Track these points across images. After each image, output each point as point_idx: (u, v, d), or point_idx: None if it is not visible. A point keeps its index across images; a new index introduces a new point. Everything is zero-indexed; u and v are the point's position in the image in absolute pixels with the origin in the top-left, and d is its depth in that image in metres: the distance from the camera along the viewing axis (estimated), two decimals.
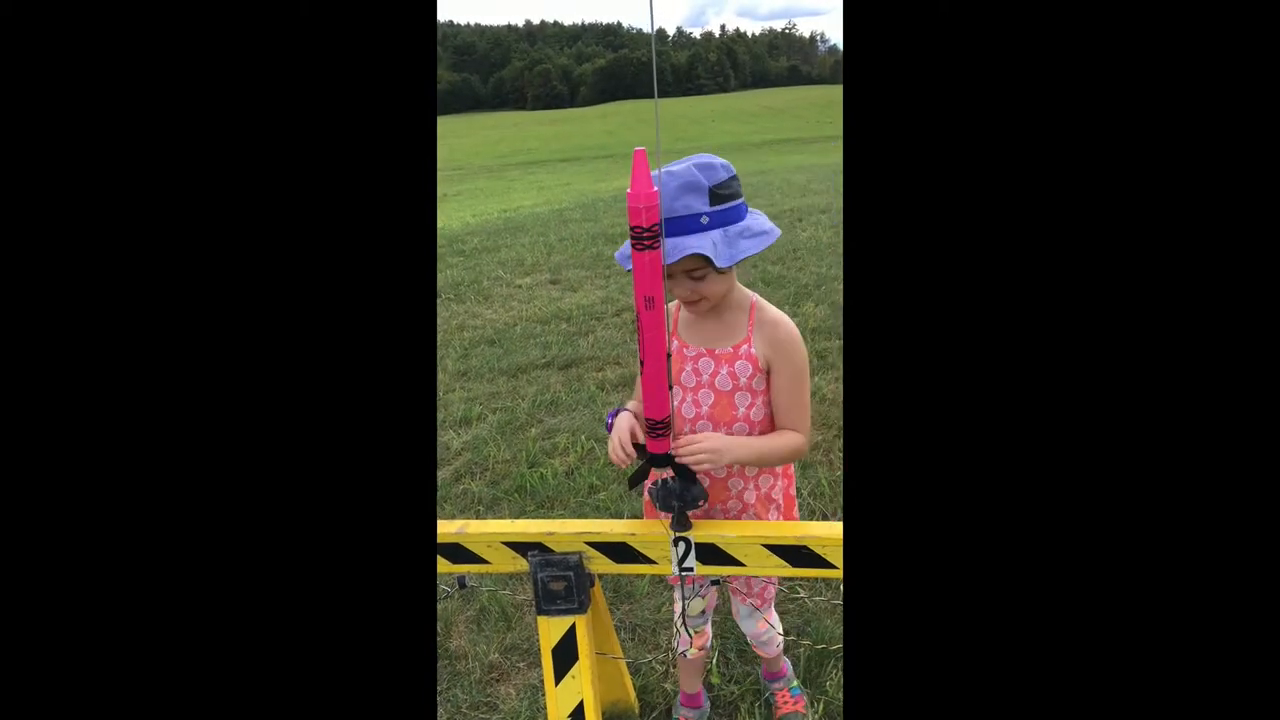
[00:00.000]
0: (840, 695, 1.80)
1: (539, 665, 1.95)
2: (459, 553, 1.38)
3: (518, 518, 2.66)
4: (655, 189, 1.08)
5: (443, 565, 1.39)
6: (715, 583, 1.56)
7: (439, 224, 9.56)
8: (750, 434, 1.38)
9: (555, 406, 3.63)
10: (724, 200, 1.24)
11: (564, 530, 1.35)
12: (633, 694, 1.82)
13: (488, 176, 20.96)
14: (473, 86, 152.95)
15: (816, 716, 1.77)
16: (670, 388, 1.20)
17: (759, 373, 1.36)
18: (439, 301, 5.66)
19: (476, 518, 2.73)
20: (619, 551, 1.35)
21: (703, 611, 1.66)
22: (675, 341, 1.40)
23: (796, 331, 1.38)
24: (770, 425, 1.41)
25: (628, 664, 1.81)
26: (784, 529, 1.31)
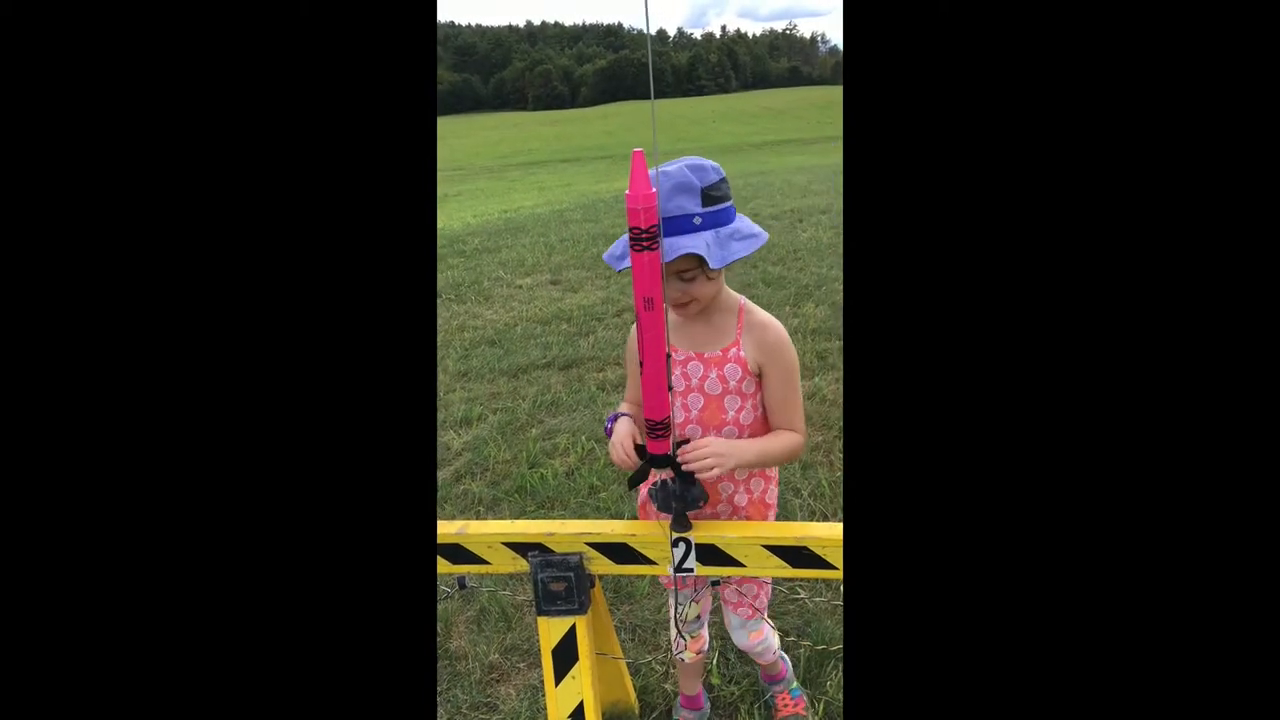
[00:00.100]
0: (840, 696, 1.79)
1: (539, 666, 1.95)
2: (459, 553, 1.38)
3: (518, 518, 2.66)
4: (653, 190, 1.08)
5: (443, 566, 1.39)
6: (715, 583, 1.56)
7: (440, 224, 9.57)
8: (740, 437, 1.38)
9: (556, 407, 3.63)
10: (716, 202, 1.24)
11: (564, 531, 1.35)
12: (633, 694, 1.82)
13: (489, 177, 20.97)
14: (474, 87, 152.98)
15: (817, 717, 1.77)
16: (670, 389, 1.20)
17: (748, 376, 1.36)
18: (440, 302, 5.66)
19: (477, 518, 2.73)
20: (619, 552, 1.35)
21: (698, 616, 1.66)
22: None
23: (785, 332, 1.38)
24: (759, 428, 1.41)
25: (628, 664, 1.81)
26: (784, 530, 1.31)
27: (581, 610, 1.36)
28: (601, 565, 1.36)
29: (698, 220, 1.22)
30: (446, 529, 1.38)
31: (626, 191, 1.08)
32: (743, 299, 1.40)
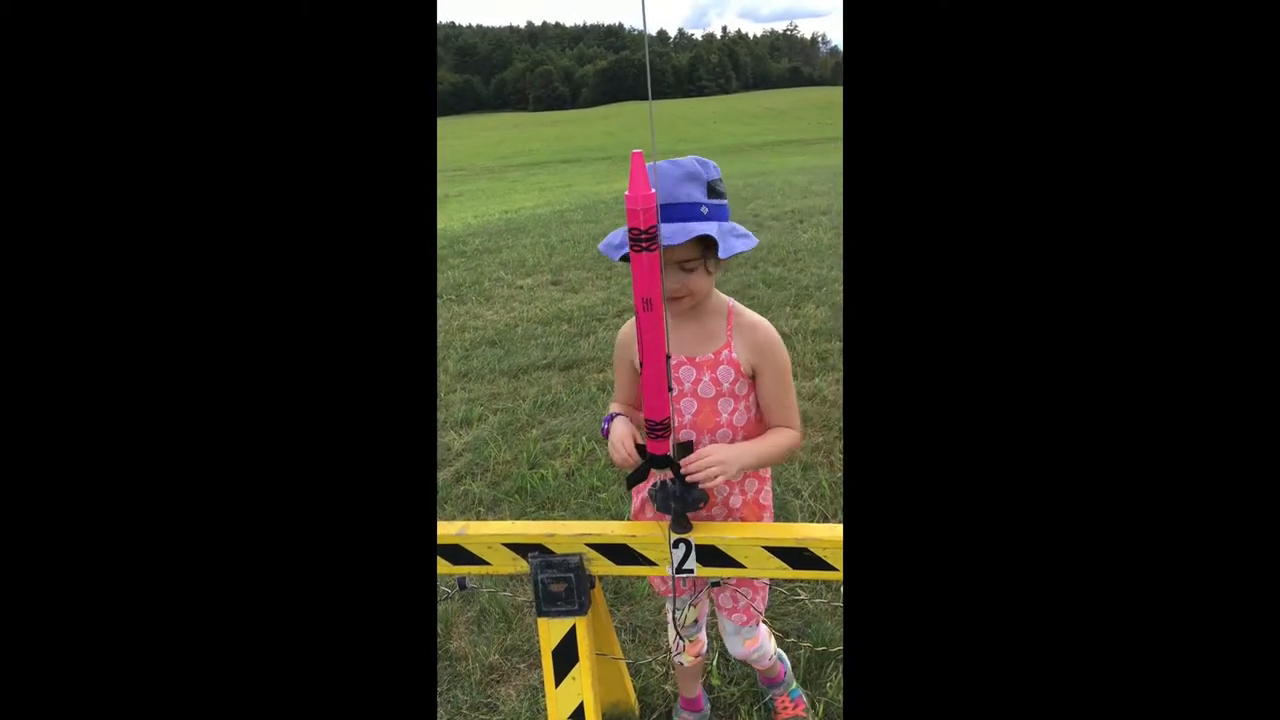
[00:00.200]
0: (840, 697, 1.79)
1: (539, 666, 1.95)
2: (459, 554, 1.38)
3: (518, 519, 2.67)
4: (653, 191, 1.08)
5: (443, 566, 1.39)
6: (715, 584, 1.56)
7: (441, 225, 9.58)
8: (734, 439, 1.38)
9: (556, 408, 3.63)
10: (718, 196, 1.28)
11: (564, 532, 1.35)
12: (633, 695, 1.82)
13: (489, 178, 20.99)
14: (475, 88, 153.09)
15: (817, 718, 1.77)
16: (670, 389, 1.20)
17: (741, 377, 1.36)
18: (440, 302, 5.67)
19: (477, 519, 2.73)
20: (619, 553, 1.35)
21: (695, 620, 1.66)
22: None
23: (774, 331, 1.39)
24: (754, 428, 1.41)
25: (628, 665, 1.81)
26: (784, 531, 1.31)
27: (582, 611, 1.36)
28: (602, 566, 1.36)
29: (705, 210, 1.24)
30: (447, 530, 1.38)
31: (626, 192, 1.08)
32: (731, 300, 1.40)
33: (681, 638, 1.63)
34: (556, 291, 5.80)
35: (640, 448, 1.29)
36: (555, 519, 2.60)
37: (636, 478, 1.34)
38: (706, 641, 1.73)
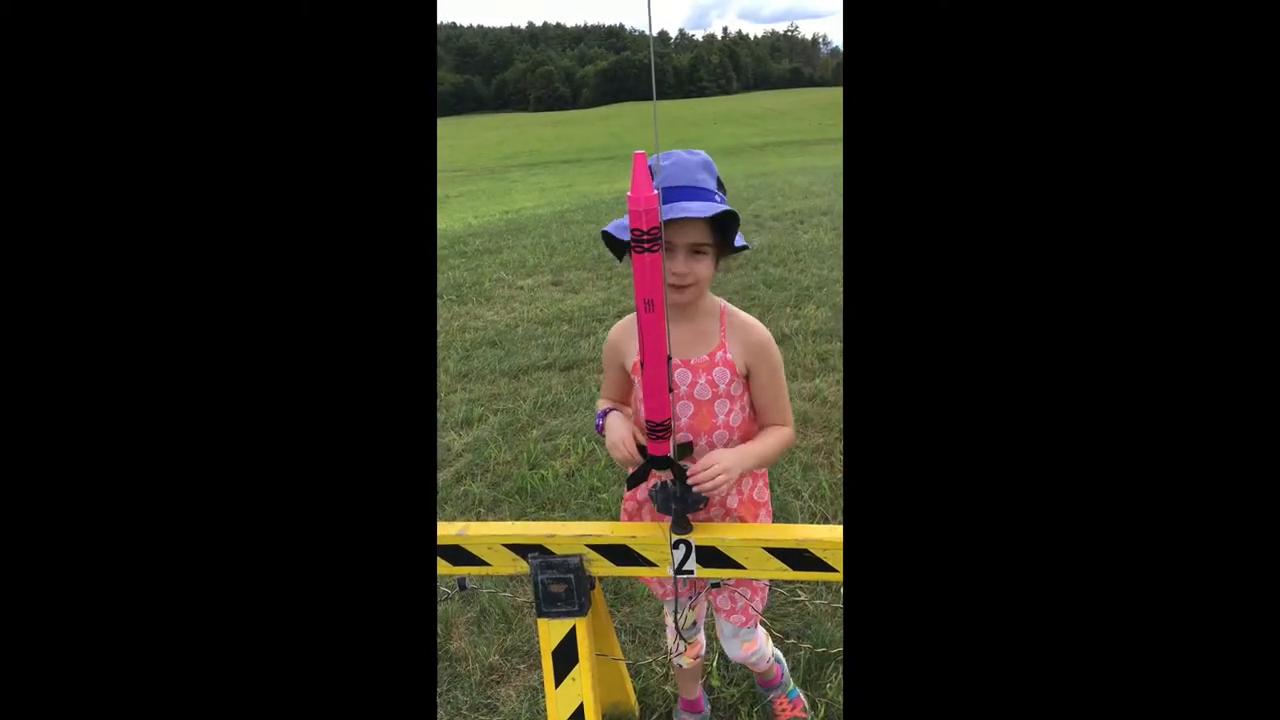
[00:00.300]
0: (840, 698, 1.79)
1: (539, 667, 1.95)
2: (459, 554, 1.38)
3: (518, 519, 2.67)
4: (655, 192, 1.08)
5: (443, 567, 1.39)
6: (715, 585, 1.56)
7: (442, 225, 9.58)
8: (731, 440, 1.38)
9: (557, 408, 3.63)
10: (724, 192, 1.31)
11: (565, 532, 1.35)
12: (633, 696, 1.82)
13: (490, 178, 20.99)
14: (475, 88, 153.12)
15: (817, 719, 1.77)
16: (671, 390, 1.20)
17: (736, 378, 1.36)
18: (441, 303, 5.67)
19: (477, 519, 2.73)
20: (620, 554, 1.35)
21: (694, 623, 1.66)
22: None
23: (767, 330, 1.40)
24: (748, 428, 1.42)
25: (628, 666, 1.81)
26: (785, 532, 1.31)
27: (582, 612, 1.36)
28: (602, 567, 1.36)
29: (719, 199, 1.28)
30: (447, 530, 1.38)
31: (628, 194, 1.08)
32: (722, 301, 1.41)
33: (681, 639, 1.63)
34: (557, 292, 5.80)
35: (640, 448, 1.29)
36: (555, 520, 2.60)
37: (637, 478, 1.34)
38: (705, 643, 1.72)
